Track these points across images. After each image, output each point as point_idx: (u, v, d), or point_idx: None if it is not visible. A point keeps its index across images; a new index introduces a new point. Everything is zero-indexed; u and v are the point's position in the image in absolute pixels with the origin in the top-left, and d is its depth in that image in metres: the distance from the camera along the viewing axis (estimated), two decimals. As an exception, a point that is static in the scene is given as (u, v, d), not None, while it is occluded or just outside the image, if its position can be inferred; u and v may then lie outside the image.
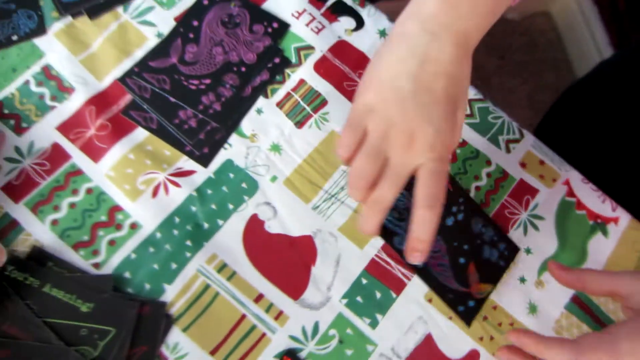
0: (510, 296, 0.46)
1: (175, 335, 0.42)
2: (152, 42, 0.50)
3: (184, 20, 0.51)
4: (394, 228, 0.44)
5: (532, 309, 0.46)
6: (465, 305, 0.44)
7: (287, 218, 0.46)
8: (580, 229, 0.49)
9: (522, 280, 0.47)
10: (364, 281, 0.45)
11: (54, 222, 0.44)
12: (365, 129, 0.36)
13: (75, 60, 0.49)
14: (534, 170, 0.50)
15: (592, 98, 0.67)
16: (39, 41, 0.49)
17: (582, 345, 0.35)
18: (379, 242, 0.46)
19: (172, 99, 0.48)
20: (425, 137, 0.34)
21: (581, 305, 0.47)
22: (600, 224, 0.49)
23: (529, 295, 0.46)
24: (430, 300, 0.45)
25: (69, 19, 0.50)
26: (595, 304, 0.47)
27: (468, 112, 0.51)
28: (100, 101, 0.48)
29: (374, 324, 0.44)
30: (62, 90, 0.48)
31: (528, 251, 0.48)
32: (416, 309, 0.44)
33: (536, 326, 0.45)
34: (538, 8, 1.43)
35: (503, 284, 0.46)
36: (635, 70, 0.62)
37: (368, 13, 0.54)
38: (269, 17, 0.52)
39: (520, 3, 0.42)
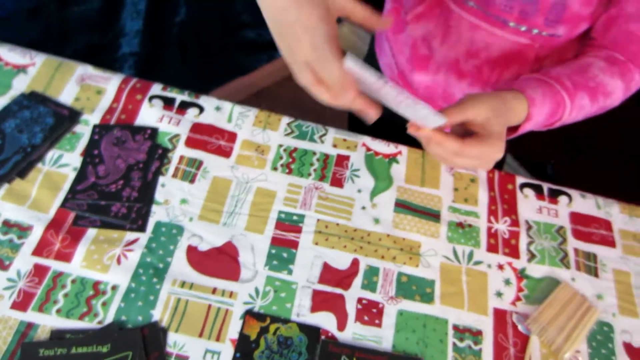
0: (360, 219, 0.73)
1: (172, 337, 0.62)
2: (72, 175, 0.72)
3: (87, 153, 0.74)
4: None
5: (376, 221, 0.73)
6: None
7: (210, 237, 0.69)
8: (382, 166, 0.78)
9: (363, 208, 0.74)
10: (272, 251, 0.69)
11: (58, 311, 0.63)
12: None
13: (24, 208, 0.69)
14: (343, 147, 0.79)
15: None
16: (-7, 206, 0.69)
17: (466, 141, 0.59)
18: (273, 225, 0.70)
19: (103, 202, 0.70)
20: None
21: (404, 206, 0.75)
22: (392, 159, 0.79)
23: (370, 213, 0.73)
24: (317, 243, 0.70)
25: (6, 185, 0.70)
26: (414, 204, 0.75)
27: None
28: (54, 225, 0.68)
29: (290, 272, 0.68)
30: (24, 230, 0.68)
31: (359, 191, 0.75)
32: (310, 252, 0.69)
33: (381, 229, 0.72)
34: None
35: (353, 215, 0.73)
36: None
37: (204, 101, 0.81)
38: (143, 128, 0.77)
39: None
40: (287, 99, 2.01)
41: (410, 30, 0.80)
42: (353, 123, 1.12)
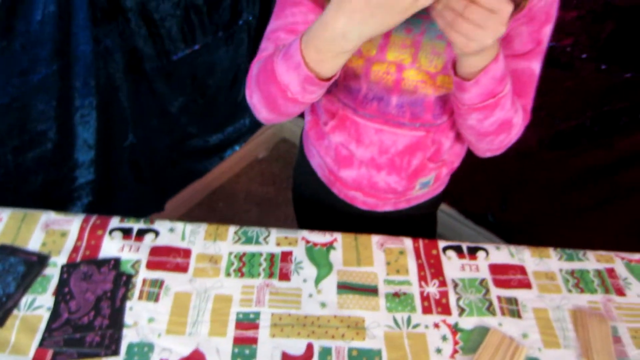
0: (309, 306, 0.83)
1: None
2: (46, 315, 0.80)
3: (58, 292, 0.82)
4: None
5: (323, 305, 0.83)
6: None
7: (178, 348, 0.77)
8: (322, 255, 0.89)
9: (310, 295, 0.84)
10: (236, 350, 0.78)
11: None
12: None
13: (5, 355, 0.76)
14: (285, 243, 0.90)
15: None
16: (-23, 358, 0.76)
17: None
18: (234, 326, 0.80)
19: (78, 335, 0.78)
20: None
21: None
22: (330, 247, 0.91)
23: (317, 299, 0.84)
24: (273, 335, 0.79)
25: (-13, 335, 0.78)
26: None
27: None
28: (35, 364, 0.75)
29: None
30: (8, 374, 0.74)
31: (305, 280, 0.86)
32: (269, 345, 0.78)
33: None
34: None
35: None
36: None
37: (158, 225, 0.92)
38: (107, 260, 0.86)
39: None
40: (241, 194, 2.14)
41: (330, 138, 0.94)
42: (301, 219, 1.25)
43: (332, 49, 0.64)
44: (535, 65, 0.83)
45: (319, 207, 1.14)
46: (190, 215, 2.02)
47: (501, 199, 1.77)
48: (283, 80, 0.70)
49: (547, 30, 0.81)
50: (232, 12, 1.62)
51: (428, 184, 1.00)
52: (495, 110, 0.75)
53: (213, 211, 2.04)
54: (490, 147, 0.87)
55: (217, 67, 1.71)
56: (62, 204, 1.47)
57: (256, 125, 2.07)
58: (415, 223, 1.11)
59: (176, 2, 1.41)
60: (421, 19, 0.76)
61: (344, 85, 0.87)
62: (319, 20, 0.63)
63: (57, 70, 1.17)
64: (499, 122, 0.78)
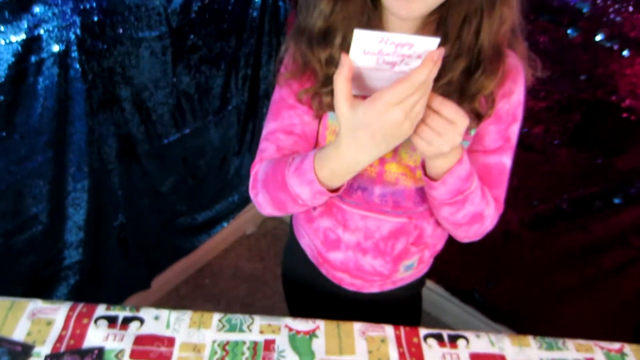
0: None
1: None
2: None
3: (40, 384, 0.82)
4: None
5: None
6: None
7: None
8: (304, 344, 0.90)
9: None
10: None
11: None
12: None
13: None
14: (269, 331, 0.92)
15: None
16: None
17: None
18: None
19: None
20: None
21: None
22: (312, 334, 0.92)
23: None
24: None
25: None
26: None
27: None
28: None
29: None
30: None
31: None
32: None
33: None
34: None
35: None
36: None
37: (144, 312, 0.93)
38: (91, 350, 0.87)
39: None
40: (229, 270, 2.14)
41: (319, 222, 0.99)
42: (290, 298, 1.26)
43: (346, 172, 0.72)
44: (505, 160, 0.89)
45: (307, 287, 1.16)
46: (177, 293, 2.00)
47: (487, 276, 1.79)
48: (295, 192, 0.76)
49: (515, 129, 0.88)
50: (222, 99, 1.70)
51: (412, 267, 1.03)
52: (465, 205, 0.80)
53: (200, 288, 2.03)
54: (467, 234, 0.91)
55: (207, 148, 1.78)
56: (48, 284, 1.47)
57: (244, 202, 2.11)
58: (401, 303, 1.13)
59: (169, 91, 1.49)
60: None
61: None
62: (334, 148, 0.70)
63: (52, 158, 1.22)
64: (470, 214, 0.83)
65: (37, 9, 1.09)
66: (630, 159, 1.28)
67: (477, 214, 0.83)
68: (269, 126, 0.90)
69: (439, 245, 1.06)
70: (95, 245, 1.53)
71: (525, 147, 1.41)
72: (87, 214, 1.41)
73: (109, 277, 1.66)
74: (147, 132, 1.50)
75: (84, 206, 1.40)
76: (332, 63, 0.78)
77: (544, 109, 1.36)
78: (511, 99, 0.83)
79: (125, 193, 1.53)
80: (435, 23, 0.78)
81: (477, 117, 0.78)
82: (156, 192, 1.68)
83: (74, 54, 1.18)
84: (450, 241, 1.06)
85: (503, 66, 0.77)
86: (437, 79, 0.73)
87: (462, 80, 0.76)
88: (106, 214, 1.51)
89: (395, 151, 0.85)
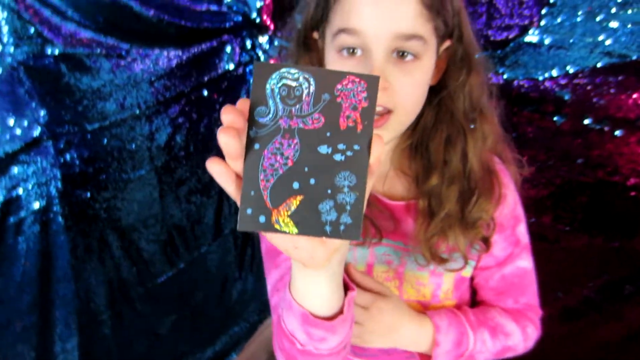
0: None
1: None
2: None
3: None
4: None
5: None
6: None
7: None
8: None
9: None
10: None
11: None
12: None
13: None
14: None
15: None
16: None
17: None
18: None
19: None
20: None
21: None
22: None
23: None
24: None
25: None
26: None
27: None
28: None
29: None
30: None
31: None
32: None
33: None
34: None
35: None
36: None
37: None
38: None
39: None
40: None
41: None
42: None
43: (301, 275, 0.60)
44: (522, 263, 0.83)
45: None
46: None
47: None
48: (288, 328, 0.65)
49: (521, 229, 0.82)
50: (215, 227, 1.65)
51: None
52: (477, 355, 0.76)
53: None
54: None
55: (205, 279, 1.69)
56: None
57: (252, 329, 1.98)
58: None
59: (159, 228, 1.44)
60: (400, 251, 0.76)
61: None
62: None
63: (37, 321, 1.14)
64: (493, 355, 0.78)
65: (15, 170, 1.07)
66: (649, 239, 1.20)
67: (498, 352, 0.78)
68: (271, 277, 0.80)
69: None
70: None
71: (536, 237, 1.33)
72: (79, 372, 1.30)
73: None
74: (139, 274, 1.43)
75: (75, 365, 1.29)
76: None
77: (548, 197, 1.30)
78: (506, 203, 0.79)
79: (119, 341, 1.43)
80: (412, 149, 0.75)
81: (484, 241, 0.73)
82: (155, 336, 1.57)
83: (56, 208, 1.14)
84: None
85: (498, 183, 0.73)
86: (432, 215, 0.69)
87: (459, 209, 0.71)
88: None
89: (400, 289, 0.79)
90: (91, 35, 1.13)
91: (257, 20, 1.56)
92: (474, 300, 0.88)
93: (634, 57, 1.05)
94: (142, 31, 1.25)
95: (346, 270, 0.74)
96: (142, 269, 1.43)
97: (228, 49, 1.51)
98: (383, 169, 0.78)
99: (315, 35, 0.74)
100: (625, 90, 1.08)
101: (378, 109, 0.64)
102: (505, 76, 1.21)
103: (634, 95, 1.07)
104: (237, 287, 1.87)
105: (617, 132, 1.11)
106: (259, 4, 1.53)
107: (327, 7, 0.68)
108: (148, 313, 1.50)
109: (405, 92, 0.66)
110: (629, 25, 1.03)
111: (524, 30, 1.17)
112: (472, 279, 0.85)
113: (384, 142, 0.67)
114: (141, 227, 1.39)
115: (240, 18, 1.51)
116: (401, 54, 0.65)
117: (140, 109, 1.30)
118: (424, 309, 0.80)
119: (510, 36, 1.19)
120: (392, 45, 0.64)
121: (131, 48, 1.24)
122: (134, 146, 1.31)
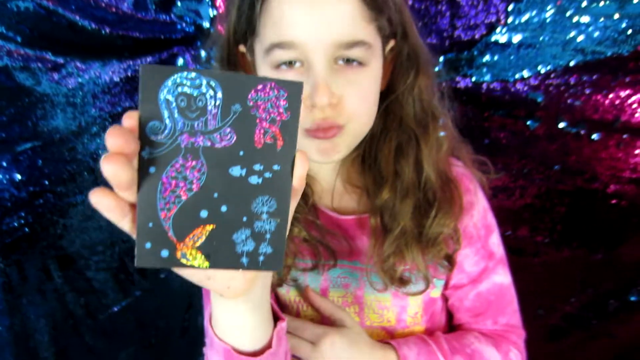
0: None
1: None
2: None
3: None
4: None
5: None
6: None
7: None
8: None
9: None
10: None
11: None
12: None
13: None
14: None
15: None
16: None
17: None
18: None
19: None
20: None
21: None
22: None
23: None
24: None
25: None
26: None
27: None
28: None
29: None
30: None
31: None
32: None
33: None
34: None
35: None
36: None
37: None
38: None
39: None
40: None
41: None
42: None
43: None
44: (499, 278, 0.74)
45: None
46: None
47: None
48: None
49: (494, 239, 0.75)
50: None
51: None
52: None
53: None
54: None
55: (165, 306, 1.58)
56: None
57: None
58: None
59: (109, 255, 1.33)
60: (357, 272, 0.67)
61: None
62: None
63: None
64: None
65: None
66: (635, 249, 1.11)
67: None
68: (207, 311, 0.72)
69: None
70: None
71: (513, 251, 1.25)
72: None
73: None
74: (87, 305, 1.32)
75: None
76: None
77: (524, 207, 1.21)
78: (474, 212, 0.71)
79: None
80: (360, 161, 0.67)
81: (447, 259, 0.65)
82: (112, 372, 1.45)
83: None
84: None
85: (458, 192, 0.64)
86: (386, 232, 0.62)
87: (416, 224, 0.63)
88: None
89: (361, 315, 0.70)
90: (15, 48, 1.02)
91: (212, 31, 1.46)
92: (451, 324, 0.79)
93: (609, 54, 0.97)
94: (78, 43, 1.15)
95: (303, 293, 0.68)
96: (91, 299, 1.32)
97: (180, 61, 1.41)
98: (330, 183, 0.70)
99: (242, 48, 0.65)
100: (600, 90, 1.00)
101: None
102: (473, 79, 1.13)
103: (610, 95, 0.98)
104: (203, 314, 1.75)
105: (595, 136, 1.03)
106: (212, 13, 1.44)
107: (253, 17, 0.59)
108: (101, 347, 1.39)
109: (356, 104, 0.59)
110: (601, 20, 0.95)
111: (491, 29, 1.08)
112: (447, 299, 0.76)
113: (337, 159, 0.59)
114: (88, 254, 1.28)
115: (192, 28, 1.41)
116: (346, 60, 0.58)
117: (81, 126, 1.19)
118: (389, 336, 0.71)
119: (477, 36, 1.10)
120: (334, 54, 0.57)
121: (67, 62, 1.14)
122: (75, 167, 1.20)
